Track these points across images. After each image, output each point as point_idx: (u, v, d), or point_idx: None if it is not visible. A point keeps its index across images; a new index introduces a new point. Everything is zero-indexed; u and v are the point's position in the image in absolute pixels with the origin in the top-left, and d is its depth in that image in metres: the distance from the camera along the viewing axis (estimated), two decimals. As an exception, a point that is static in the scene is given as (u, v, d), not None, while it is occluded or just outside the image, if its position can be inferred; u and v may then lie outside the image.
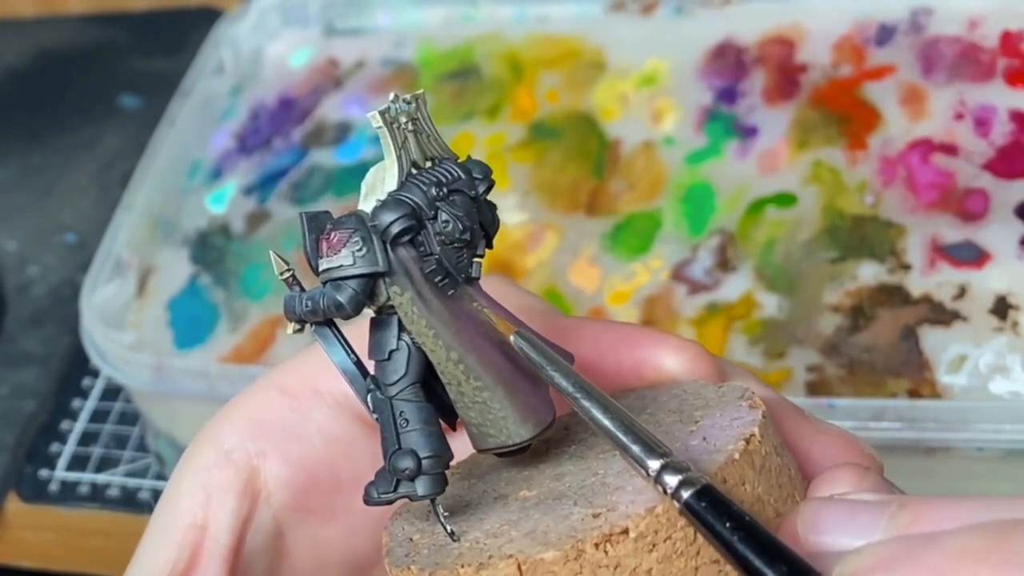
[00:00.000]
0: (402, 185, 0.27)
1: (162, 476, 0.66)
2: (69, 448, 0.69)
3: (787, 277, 0.57)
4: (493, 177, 0.28)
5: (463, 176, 0.27)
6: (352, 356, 0.28)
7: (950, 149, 0.60)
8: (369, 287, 0.26)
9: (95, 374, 0.72)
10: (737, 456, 0.26)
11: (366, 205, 0.27)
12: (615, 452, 0.28)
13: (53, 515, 0.67)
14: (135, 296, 0.66)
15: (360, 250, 0.26)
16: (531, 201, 0.64)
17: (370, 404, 0.28)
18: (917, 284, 0.55)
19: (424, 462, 0.27)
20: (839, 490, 0.26)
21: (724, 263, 0.59)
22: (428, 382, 0.27)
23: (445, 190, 0.27)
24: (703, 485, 0.24)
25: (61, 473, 0.68)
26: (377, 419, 0.27)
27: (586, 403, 0.27)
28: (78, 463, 0.68)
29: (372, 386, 0.28)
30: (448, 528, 0.27)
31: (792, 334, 0.55)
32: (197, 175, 0.72)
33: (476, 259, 0.28)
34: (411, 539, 0.28)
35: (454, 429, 0.28)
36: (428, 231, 0.27)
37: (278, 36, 0.79)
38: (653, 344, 0.31)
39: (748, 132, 0.64)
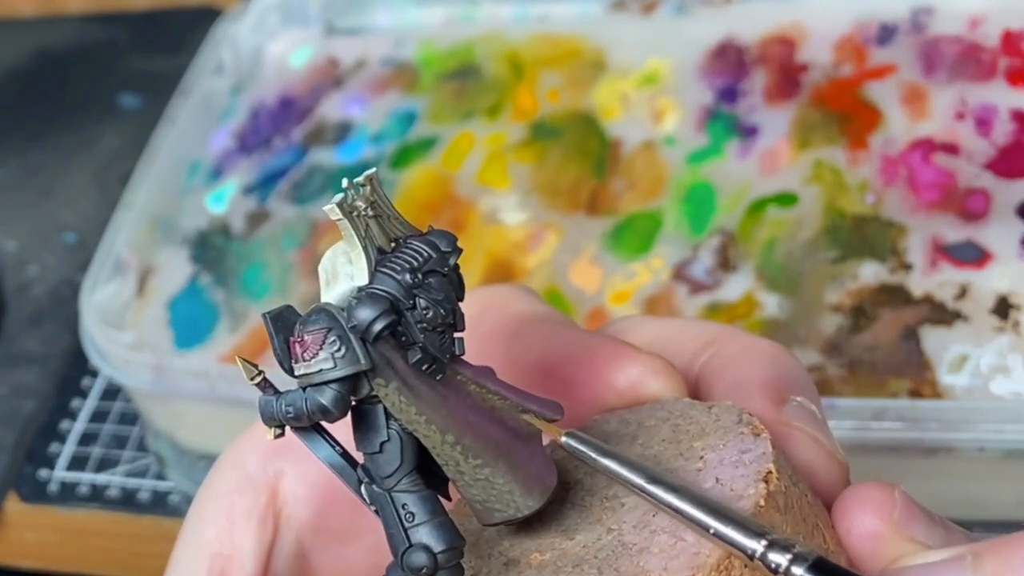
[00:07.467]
0: (373, 276, 0.25)
1: (162, 476, 0.66)
2: (69, 448, 0.68)
3: (788, 277, 0.57)
4: (460, 245, 0.26)
5: (433, 255, 0.25)
6: (338, 449, 0.27)
7: (951, 149, 0.59)
8: (352, 385, 0.25)
9: (95, 374, 0.71)
10: (762, 502, 0.25)
11: (330, 295, 0.25)
12: (623, 501, 0.27)
13: (53, 515, 0.67)
14: (135, 296, 0.66)
15: (339, 351, 0.24)
16: (532, 201, 0.64)
17: (366, 497, 0.26)
18: (918, 284, 0.55)
19: (440, 557, 0.25)
20: (868, 519, 0.26)
21: (725, 263, 0.59)
22: (422, 463, 0.26)
23: (420, 275, 0.25)
24: (815, 559, 0.23)
25: (61, 473, 0.67)
26: (376, 512, 0.26)
27: (664, 495, 0.25)
28: (78, 463, 0.68)
29: (364, 478, 0.26)
30: None
31: (793, 334, 0.55)
32: (197, 175, 0.72)
33: (457, 335, 0.26)
34: None
35: (448, 499, 0.27)
36: (408, 320, 0.25)
37: (278, 35, 0.79)
38: (635, 363, 0.30)
39: (749, 132, 0.64)
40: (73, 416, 0.70)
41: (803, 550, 0.24)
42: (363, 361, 0.24)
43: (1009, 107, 0.60)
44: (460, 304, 0.26)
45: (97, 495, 0.66)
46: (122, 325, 0.64)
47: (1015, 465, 0.50)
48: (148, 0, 0.95)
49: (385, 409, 0.25)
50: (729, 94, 0.66)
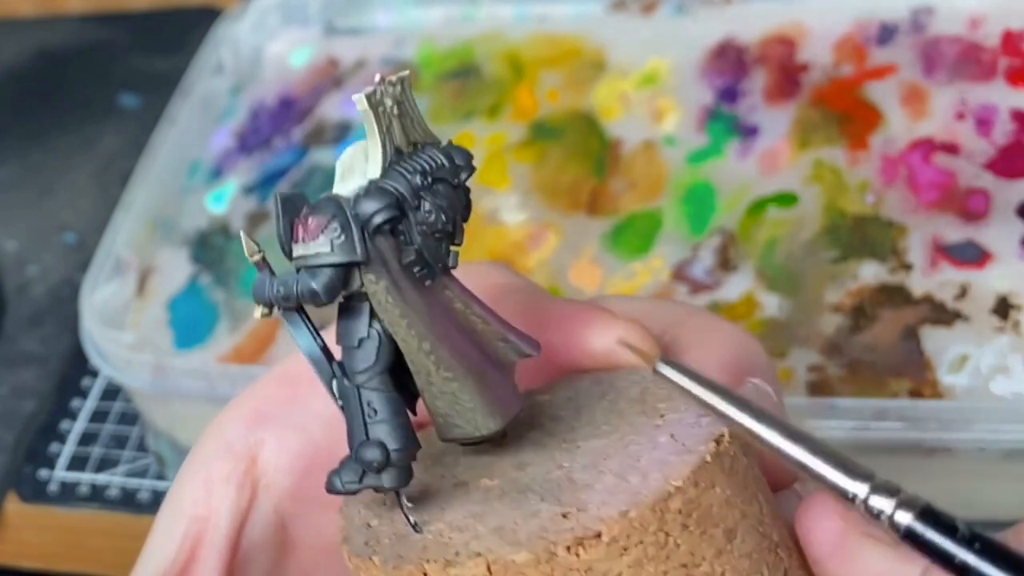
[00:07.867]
0: (385, 172, 0.26)
1: (162, 476, 0.66)
2: (69, 448, 0.68)
3: (788, 277, 0.57)
4: (475, 163, 0.27)
5: (447, 164, 0.26)
6: (319, 341, 0.27)
7: (951, 149, 0.59)
8: (345, 275, 0.25)
9: (95, 374, 0.71)
10: (709, 458, 0.26)
11: (343, 188, 0.26)
12: (579, 445, 0.28)
13: (53, 515, 0.67)
14: (135, 296, 0.66)
15: (338, 237, 0.25)
16: (532, 201, 0.64)
17: (335, 391, 0.27)
18: (918, 284, 0.55)
19: (392, 454, 0.26)
20: (829, 520, 0.26)
21: (725, 263, 0.59)
22: (394, 369, 0.27)
23: (429, 179, 0.26)
24: (923, 506, 0.23)
25: (61, 473, 0.67)
26: (342, 407, 0.27)
27: (762, 428, 0.25)
28: (78, 463, 0.68)
29: (338, 373, 0.27)
30: (411, 519, 0.27)
31: (793, 334, 0.55)
32: (197, 175, 0.72)
33: (453, 248, 0.27)
34: (369, 524, 0.28)
35: (415, 414, 0.28)
36: (410, 220, 0.26)
37: (278, 35, 0.79)
38: (612, 328, 0.30)
39: (749, 132, 0.64)
40: (73, 416, 0.70)
41: (910, 495, 0.23)
42: (359, 252, 0.25)
43: (1009, 107, 0.60)
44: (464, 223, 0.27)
45: (97, 495, 0.66)
46: (122, 325, 0.64)
47: (1015, 465, 0.50)
48: (148, 0, 0.95)
49: (371, 308, 0.26)
50: (729, 94, 0.66)
